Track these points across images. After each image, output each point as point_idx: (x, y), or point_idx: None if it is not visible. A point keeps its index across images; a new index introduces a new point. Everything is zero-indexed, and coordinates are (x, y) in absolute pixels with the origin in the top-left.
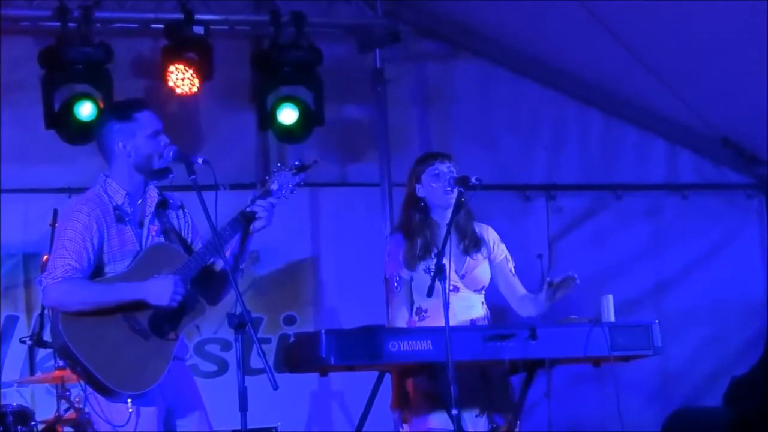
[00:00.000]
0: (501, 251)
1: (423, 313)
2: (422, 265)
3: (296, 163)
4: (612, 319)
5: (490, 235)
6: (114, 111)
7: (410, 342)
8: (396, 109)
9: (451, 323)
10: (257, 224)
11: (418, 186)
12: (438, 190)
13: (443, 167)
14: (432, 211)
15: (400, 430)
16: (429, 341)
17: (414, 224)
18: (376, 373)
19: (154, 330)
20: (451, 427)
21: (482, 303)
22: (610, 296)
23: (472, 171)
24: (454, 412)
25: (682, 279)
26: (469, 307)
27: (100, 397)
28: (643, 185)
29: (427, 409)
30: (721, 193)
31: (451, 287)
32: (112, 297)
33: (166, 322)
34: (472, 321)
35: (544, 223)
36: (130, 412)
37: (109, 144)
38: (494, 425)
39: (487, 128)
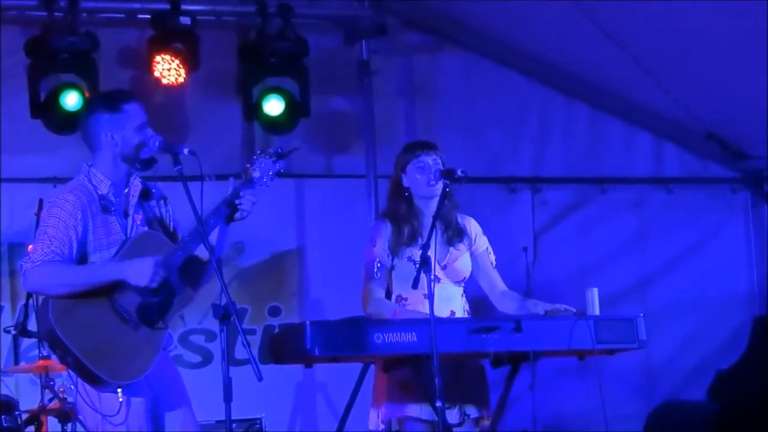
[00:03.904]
0: (482, 243)
1: (403, 302)
2: (407, 252)
3: (277, 150)
4: (597, 312)
5: (473, 227)
6: (103, 101)
7: (395, 334)
8: (382, 101)
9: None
10: (237, 215)
11: (403, 175)
12: (422, 181)
13: (428, 159)
14: (416, 200)
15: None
16: (414, 333)
17: (401, 213)
18: (360, 365)
19: (142, 319)
20: (426, 417)
21: (462, 295)
22: (595, 290)
23: (458, 163)
24: (438, 404)
25: (667, 273)
26: (448, 298)
27: (89, 387)
28: (629, 179)
29: (403, 399)
30: (706, 187)
31: (433, 277)
32: (92, 278)
33: (154, 311)
34: (452, 313)
35: (530, 215)
36: (120, 402)
37: (95, 134)
38: (465, 417)
39: (472, 120)
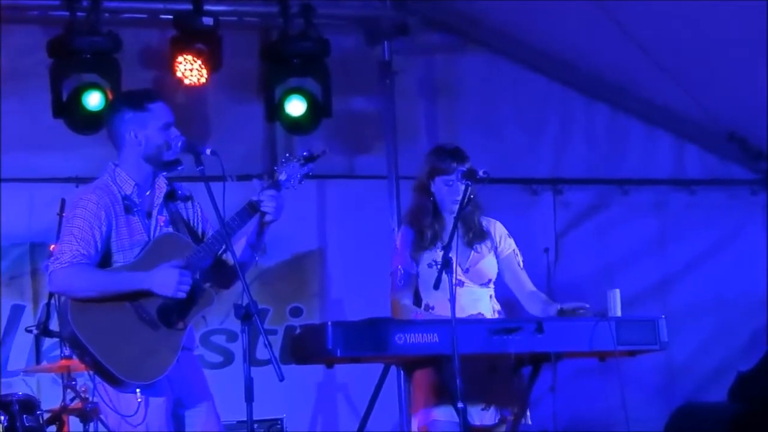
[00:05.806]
0: (508, 246)
1: (430, 310)
2: (427, 257)
3: (305, 153)
4: (619, 313)
5: (497, 229)
6: (127, 100)
7: (416, 335)
8: (403, 101)
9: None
10: (266, 218)
11: (431, 182)
12: (448, 197)
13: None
14: (440, 207)
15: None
16: (435, 334)
17: (424, 214)
18: (382, 365)
19: (162, 320)
20: (455, 420)
21: (491, 297)
22: (617, 291)
23: (479, 164)
24: (460, 405)
25: (688, 274)
26: (475, 300)
27: (108, 387)
28: (650, 180)
29: (433, 402)
30: (726, 188)
31: (456, 281)
32: (118, 286)
33: (174, 312)
34: (479, 315)
35: (551, 216)
36: (139, 402)
37: (120, 132)
38: (502, 418)
39: (493, 121)
